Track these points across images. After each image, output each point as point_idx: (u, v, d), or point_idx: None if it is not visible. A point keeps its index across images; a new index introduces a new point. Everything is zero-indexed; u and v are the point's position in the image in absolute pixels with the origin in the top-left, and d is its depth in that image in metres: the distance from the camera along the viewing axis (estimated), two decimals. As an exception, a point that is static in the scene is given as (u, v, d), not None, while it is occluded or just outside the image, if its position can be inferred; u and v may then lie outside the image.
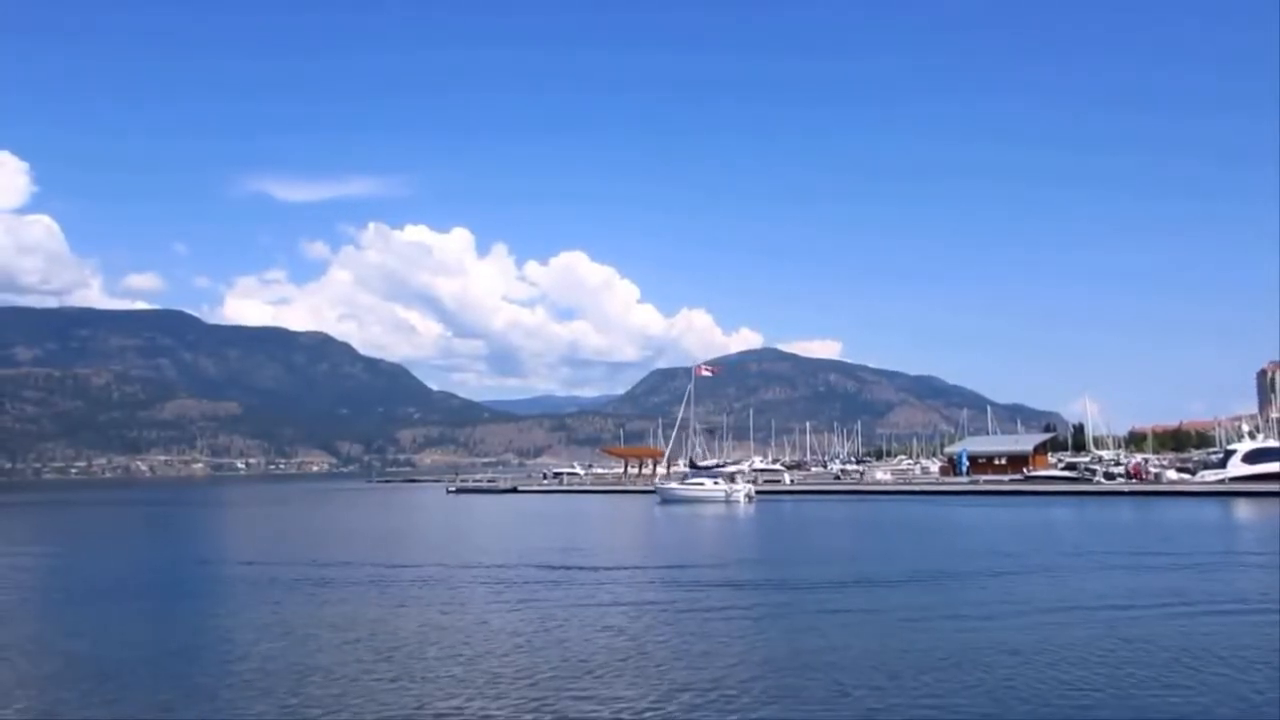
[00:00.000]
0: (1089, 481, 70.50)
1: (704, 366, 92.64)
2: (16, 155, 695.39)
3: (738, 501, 61.97)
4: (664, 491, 67.55)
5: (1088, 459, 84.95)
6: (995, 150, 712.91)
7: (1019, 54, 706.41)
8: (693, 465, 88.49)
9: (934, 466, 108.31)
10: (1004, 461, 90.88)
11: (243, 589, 23.31)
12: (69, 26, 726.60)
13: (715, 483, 67.67)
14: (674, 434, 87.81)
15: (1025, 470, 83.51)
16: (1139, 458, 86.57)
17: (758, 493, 67.25)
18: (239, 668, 14.23)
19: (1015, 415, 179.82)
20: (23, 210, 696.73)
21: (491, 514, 59.86)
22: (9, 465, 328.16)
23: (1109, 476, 70.88)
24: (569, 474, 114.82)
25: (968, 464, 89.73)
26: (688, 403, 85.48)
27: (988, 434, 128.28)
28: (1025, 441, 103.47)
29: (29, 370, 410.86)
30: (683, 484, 69.94)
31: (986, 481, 78.66)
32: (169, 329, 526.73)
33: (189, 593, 23.48)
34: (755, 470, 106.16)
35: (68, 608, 21.45)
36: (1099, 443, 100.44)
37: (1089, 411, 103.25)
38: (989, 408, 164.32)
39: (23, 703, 12.45)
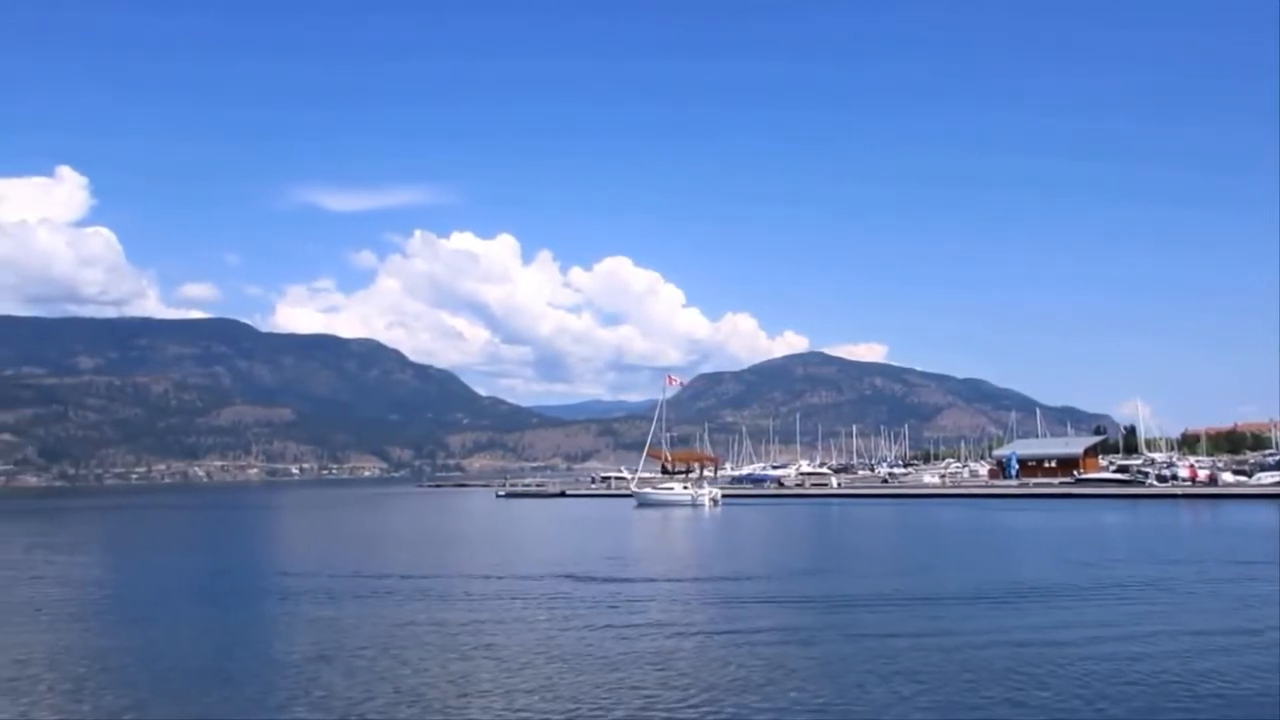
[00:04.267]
0: (1141, 484, 69.86)
1: (672, 376, 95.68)
2: (76, 169, 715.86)
3: (703, 505, 66.23)
4: (639, 495, 72.57)
5: (1140, 461, 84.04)
6: (1043, 158, 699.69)
7: (1063, 63, 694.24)
8: (664, 470, 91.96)
9: (982, 469, 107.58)
10: (1054, 464, 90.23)
11: (328, 596, 23.65)
12: (123, 41, 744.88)
13: (685, 487, 73.11)
14: (649, 439, 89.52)
15: (1076, 473, 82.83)
16: (1192, 460, 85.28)
17: (803, 495, 68.03)
18: (359, 678, 14.63)
19: (1065, 418, 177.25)
20: (82, 223, 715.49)
21: (544, 519, 61.17)
22: (73, 471, 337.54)
23: (1162, 479, 70.18)
24: (616, 478, 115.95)
25: (1017, 467, 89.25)
26: (661, 409, 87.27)
27: (1037, 437, 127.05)
28: (1075, 444, 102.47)
29: (91, 379, 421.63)
30: (655, 488, 75.13)
31: (1036, 484, 78.17)
32: (224, 337, 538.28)
33: (275, 599, 23.61)
34: (802, 474, 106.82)
35: (169, 613, 21.98)
36: (1151, 445, 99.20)
37: (1140, 414, 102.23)
38: (1038, 410, 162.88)
39: (163, 708, 13.16)
